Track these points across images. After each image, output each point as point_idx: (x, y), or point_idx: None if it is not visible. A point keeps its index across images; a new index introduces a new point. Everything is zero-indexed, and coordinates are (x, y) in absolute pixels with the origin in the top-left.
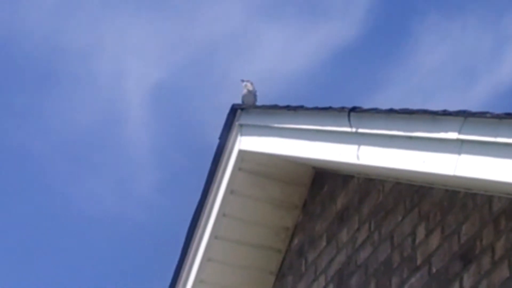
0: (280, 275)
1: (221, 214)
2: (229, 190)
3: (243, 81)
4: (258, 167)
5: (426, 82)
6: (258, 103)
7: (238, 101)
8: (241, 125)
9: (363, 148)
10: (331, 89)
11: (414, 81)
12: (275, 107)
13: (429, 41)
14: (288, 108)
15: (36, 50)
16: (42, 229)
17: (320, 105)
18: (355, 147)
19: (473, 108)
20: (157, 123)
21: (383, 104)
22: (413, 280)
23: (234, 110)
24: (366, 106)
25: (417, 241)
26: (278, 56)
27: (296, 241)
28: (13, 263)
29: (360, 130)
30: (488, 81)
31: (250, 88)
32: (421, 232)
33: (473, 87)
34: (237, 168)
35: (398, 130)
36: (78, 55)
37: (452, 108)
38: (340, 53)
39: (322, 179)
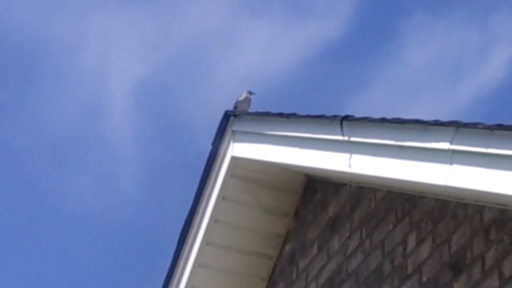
0: (271, 281)
1: (213, 220)
2: (221, 196)
3: (251, 93)
4: (250, 173)
5: (412, 80)
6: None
7: (223, 98)
8: (233, 132)
9: (355, 156)
10: (317, 87)
11: (400, 80)
12: (268, 114)
13: (415, 40)
14: (280, 115)
15: (19, 45)
16: (25, 225)
17: (307, 105)
18: (347, 155)
19: (461, 107)
20: (141, 119)
21: (369, 101)
22: None
23: (227, 117)
24: (351, 104)
25: (408, 249)
26: (263, 54)
27: (287, 248)
28: None
29: (352, 139)
30: (474, 80)
31: (249, 95)
32: (412, 241)
33: (459, 86)
34: (229, 174)
35: (390, 139)
36: (62, 51)
37: (443, 111)
38: (325, 51)
39: (314, 186)
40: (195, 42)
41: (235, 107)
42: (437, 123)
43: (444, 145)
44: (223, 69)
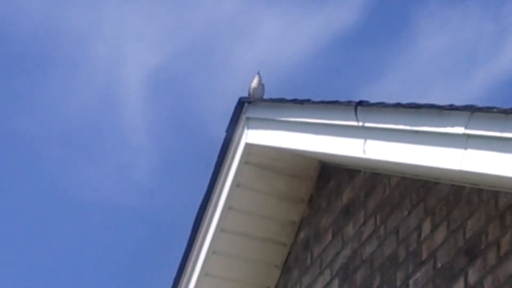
0: (285, 268)
1: (227, 207)
2: (236, 183)
3: (258, 74)
4: (264, 160)
5: (426, 69)
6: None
7: (236, 88)
8: (248, 118)
9: (370, 142)
10: (330, 76)
11: (414, 68)
12: (282, 101)
13: (429, 28)
14: (295, 101)
15: (33, 33)
16: (38, 215)
17: (321, 94)
18: (361, 141)
19: (474, 96)
20: (154, 108)
21: (382, 90)
22: (418, 275)
23: (241, 103)
24: (365, 93)
25: (423, 236)
26: (276, 42)
27: (302, 235)
28: (7, 249)
29: (367, 124)
30: (488, 69)
31: (260, 79)
32: (426, 227)
33: (473, 75)
34: (243, 161)
35: (405, 124)
36: (75, 39)
37: (456, 101)
38: (339, 40)
39: (329, 173)
40: (209, 31)
41: (249, 94)
42: (452, 108)
43: (459, 130)
44: (237, 57)
